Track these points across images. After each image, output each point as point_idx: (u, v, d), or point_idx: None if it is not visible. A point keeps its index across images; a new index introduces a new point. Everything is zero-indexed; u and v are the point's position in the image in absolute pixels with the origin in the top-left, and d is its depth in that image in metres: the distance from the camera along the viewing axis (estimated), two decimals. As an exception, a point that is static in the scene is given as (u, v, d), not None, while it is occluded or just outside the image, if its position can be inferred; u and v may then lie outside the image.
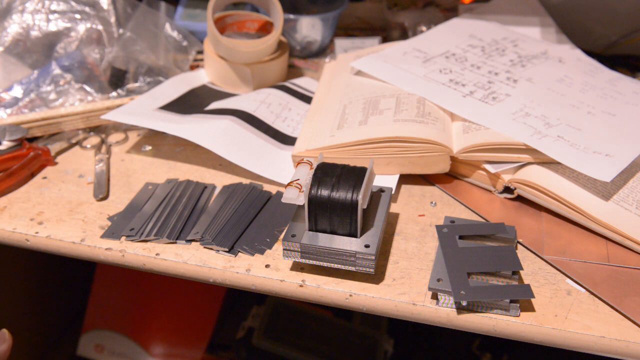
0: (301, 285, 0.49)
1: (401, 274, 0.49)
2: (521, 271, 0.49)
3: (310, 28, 0.84)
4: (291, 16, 0.82)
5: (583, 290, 0.47)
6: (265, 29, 0.80)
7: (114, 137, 0.70)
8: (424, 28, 0.87)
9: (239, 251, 0.52)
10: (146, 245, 0.53)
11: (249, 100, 0.69)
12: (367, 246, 0.46)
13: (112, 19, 0.80)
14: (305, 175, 0.49)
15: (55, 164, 0.66)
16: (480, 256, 0.47)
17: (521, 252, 0.52)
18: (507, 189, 0.57)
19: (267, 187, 0.60)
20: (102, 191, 0.60)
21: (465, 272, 0.46)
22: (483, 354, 0.99)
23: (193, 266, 0.51)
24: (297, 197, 0.47)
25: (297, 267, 0.50)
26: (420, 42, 0.75)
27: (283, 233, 0.54)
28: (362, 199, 0.46)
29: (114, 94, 0.74)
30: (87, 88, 0.73)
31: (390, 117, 0.60)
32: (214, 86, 0.77)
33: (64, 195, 0.60)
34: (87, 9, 0.79)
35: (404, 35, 0.89)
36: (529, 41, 0.76)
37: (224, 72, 0.75)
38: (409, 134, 0.57)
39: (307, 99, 0.73)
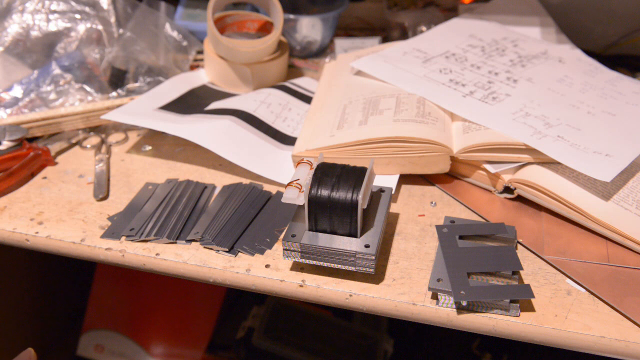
0: (301, 285, 0.49)
1: (401, 274, 0.49)
2: (521, 271, 0.49)
3: (310, 28, 0.84)
4: (291, 16, 0.82)
5: (583, 290, 0.47)
6: (265, 29, 0.80)
7: (114, 137, 0.70)
8: (424, 28, 0.87)
9: (239, 251, 0.52)
10: (146, 245, 0.53)
11: (249, 100, 0.69)
12: (367, 246, 0.46)
13: (112, 19, 0.80)
14: (305, 175, 0.49)
15: (55, 164, 0.66)
16: (480, 256, 0.47)
17: (521, 252, 0.52)
18: (507, 189, 0.57)
19: (267, 187, 0.60)
20: (102, 191, 0.60)
21: (465, 272, 0.46)
22: (483, 354, 0.99)
23: (193, 266, 0.51)
24: (297, 197, 0.47)
25: (297, 267, 0.50)
26: (420, 42, 0.75)
27: (283, 233, 0.54)
28: (362, 199, 0.46)
29: (114, 94, 0.74)
30: (87, 88, 0.73)
31: (390, 117, 0.60)
32: (214, 86, 0.77)
33: (64, 195, 0.60)
34: (87, 9, 0.79)
35: (404, 35, 0.89)
36: (529, 41, 0.76)
37: (224, 72, 0.75)
38: (409, 134, 0.57)
39: (307, 99, 0.73)
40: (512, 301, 0.44)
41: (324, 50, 0.89)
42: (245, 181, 0.61)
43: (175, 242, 0.53)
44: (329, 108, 0.66)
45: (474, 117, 0.60)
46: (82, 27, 0.78)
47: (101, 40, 0.78)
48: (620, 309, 0.45)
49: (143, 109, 0.68)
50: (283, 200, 0.47)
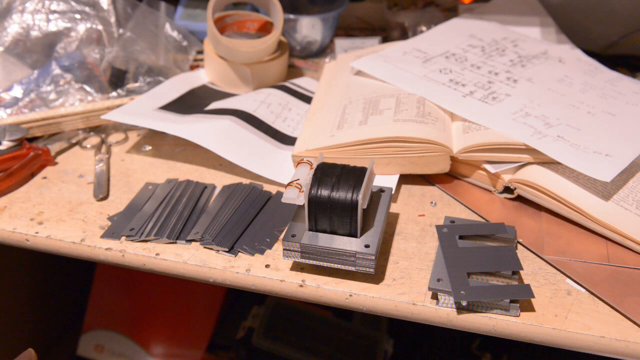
0: (301, 285, 0.49)
1: (401, 274, 0.49)
2: (521, 271, 0.49)
3: (310, 28, 0.84)
4: (291, 16, 0.82)
5: (583, 290, 0.47)
6: (265, 29, 0.80)
7: (114, 137, 0.70)
8: (424, 28, 0.87)
9: (239, 251, 0.52)
10: (146, 245, 0.53)
11: (249, 100, 0.69)
12: (367, 246, 0.46)
13: (112, 19, 0.80)
14: (305, 175, 0.49)
15: (55, 164, 0.66)
16: (480, 256, 0.47)
17: (521, 252, 0.52)
18: (507, 189, 0.57)
19: (267, 187, 0.60)
20: (102, 191, 0.60)
21: (465, 272, 0.46)
22: (483, 354, 0.99)
23: (193, 266, 0.51)
24: (297, 197, 0.47)
25: (297, 267, 0.50)
26: (420, 42, 0.75)
27: (283, 233, 0.54)
28: (362, 199, 0.46)
29: (114, 94, 0.74)
30: (87, 88, 0.73)
31: (390, 117, 0.60)
32: (214, 86, 0.77)
33: (64, 195, 0.60)
34: (87, 9, 0.79)
35: (404, 35, 0.89)
36: (529, 41, 0.76)
37: (224, 72, 0.75)
38: (409, 134, 0.57)
39: (307, 99, 0.73)
40: (512, 301, 0.44)
41: (324, 50, 0.89)
42: (245, 181, 0.61)
43: (175, 242, 0.53)
44: (329, 108, 0.66)
45: (474, 117, 0.60)
46: (82, 27, 0.78)
47: (101, 40, 0.78)
48: (620, 309, 0.45)
49: (143, 109, 0.68)
50: (283, 200, 0.47)
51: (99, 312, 1.05)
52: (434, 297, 0.47)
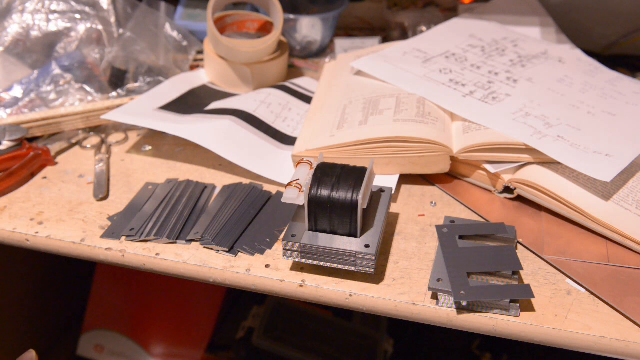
0: (301, 285, 0.49)
1: (401, 274, 0.49)
2: (521, 271, 0.49)
3: (310, 28, 0.84)
4: (291, 16, 0.82)
5: (583, 290, 0.47)
6: (265, 29, 0.80)
7: (114, 137, 0.70)
8: (424, 28, 0.87)
9: (239, 251, 0.52)
10: (146, 245, 0.53)
11: (249, 100, 0.69)
12: (367, 246, 0.46)
13: (112, 19, 0.80)
14: (305, 175, 0.49)
15: (55, 164, 0.66)
16: (480, 256, 0.47)
17: (521, 252, 0.52)
18: (507, 189, 0.57)
19: (267, 187, 0.60)
20: (102, 191, 0.60)
21: (465, 272, 0.46)
22: (483, 354, 0.99)
23: (193, 266, 0.51)
24: (297, 197, 0.47)
25: (297, 267, 0.50)
26: (420, 42, 0.75)
27: (283, 233, 0.54)
28: (362, 199, 0.46)
29: (114, 94, 0.74)
30: (87, 88, 0.73)
31: (390, 117, 0.60)
32: (214, 86, 0.77)
33: (64, 195, 0.60)
34: (87, 9, 0.79)
35: (404, 35, 0.89)
36: (529, 41, 0.76)
37: (224, 72, 0.75)
38: (409, 134, 0.57)
39: (307, 99, 0.73)
40: (512, 301, 0.44)
41: (324, 50, 0.89)
42: (245, 181, 0.61)
43: (175, 242, 0.53)
44: (329, 108, 0.66)
45: (474, 117, 0.60)
46: (82, 27, 0.78)
47: (101, 40, 0.79)
48: (620, 309, 0.45)
49: (143, 109, 0.68)
50: (283, 200, 0.47)
51: (99, 312, 1.05)
52: (434, 297, 0.47)
